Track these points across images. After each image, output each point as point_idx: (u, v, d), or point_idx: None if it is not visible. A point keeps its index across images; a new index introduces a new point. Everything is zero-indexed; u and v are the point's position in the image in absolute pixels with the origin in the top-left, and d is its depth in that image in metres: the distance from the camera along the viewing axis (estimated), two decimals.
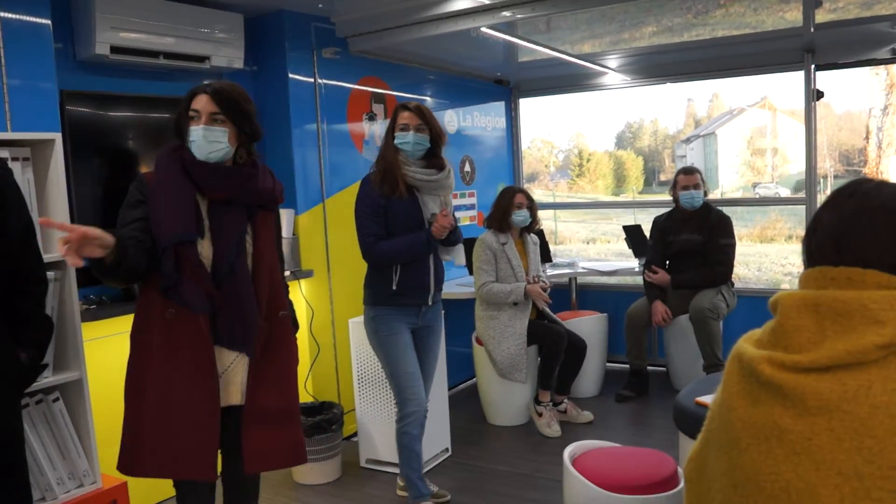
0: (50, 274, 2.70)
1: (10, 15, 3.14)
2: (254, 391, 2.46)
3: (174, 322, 2.37)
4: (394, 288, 3.45)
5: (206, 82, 2.49)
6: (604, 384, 5.68)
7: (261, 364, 2.49)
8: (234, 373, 2.47)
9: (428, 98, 5.75)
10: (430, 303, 3.58)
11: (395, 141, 3.44)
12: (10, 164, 2.62)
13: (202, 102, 2.44)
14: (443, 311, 3.79)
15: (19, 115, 3.16)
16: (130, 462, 2.43)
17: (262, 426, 2.47)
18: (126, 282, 2.42)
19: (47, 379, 2.70)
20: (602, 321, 5.69)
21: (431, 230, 3.41)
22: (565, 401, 5.03)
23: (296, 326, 2.74)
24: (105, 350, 3.42)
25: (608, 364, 5.83)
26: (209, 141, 2.42)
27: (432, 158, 3.52)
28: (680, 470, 2.91)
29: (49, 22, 3.28)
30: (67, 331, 2.80)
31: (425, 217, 3.48)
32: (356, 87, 4.96)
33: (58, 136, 2.75)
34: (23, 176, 2.69)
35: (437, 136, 3.50)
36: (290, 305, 2.72)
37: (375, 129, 5.08)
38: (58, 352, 2.79)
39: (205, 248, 2.41)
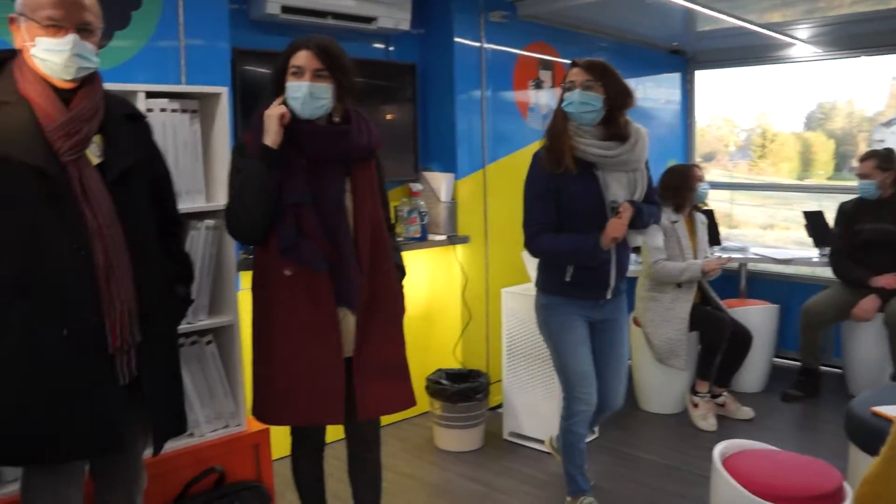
0: (210, 222, 2.91)
1: None
2: (360, 344, 2.56)
3: (294, 279, 2.48)
4: (567, 279, 3.14)
5: (306, 37, 2.49)
6: (769, 380, 5.43)
7: (365, 318, 2.56)
8: (347, 325, 2.56)
9: None
10: (608, 296, 3.23)
11: (563, 104, 3.05)
12: (180, 116, 2.85)
13: (305, 58, 2.43)
14: (626, 302, 3.46)
15: (194, 72, 3.40)
16: (264, 411, 2.62)
17: (371, 377, 2.57)
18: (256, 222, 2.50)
19: (202, 322, 2.90)
20: (772, 312, 5.44)
21: (601, 238, 3.01)
22: (724, 394, 4.85)
23: (402, 273, 2.77)
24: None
25: (775, 359, 5.56)
26: (314, 97, 2.44)
27: (612, 126, 3.06)
28: (846, 485, 2.72)
29: None
30: (223, 277, 2.99)
31: (606, 201, 3.06)
32: (523, 52, 4.96)
33: (224, 90, 2.93)
34: (190, 127, 2.90)
35: (615, 95, 3.02)
36: (395, 254, 2.76)
37: (542, 97, 5.07)
38: (213, 297, 2.99)
39: (310, 210, 2.48)
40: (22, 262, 1.96)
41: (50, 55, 1.96)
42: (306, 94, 2.42)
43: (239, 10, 3.75)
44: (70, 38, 1.96)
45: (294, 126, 2.46)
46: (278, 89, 2.48)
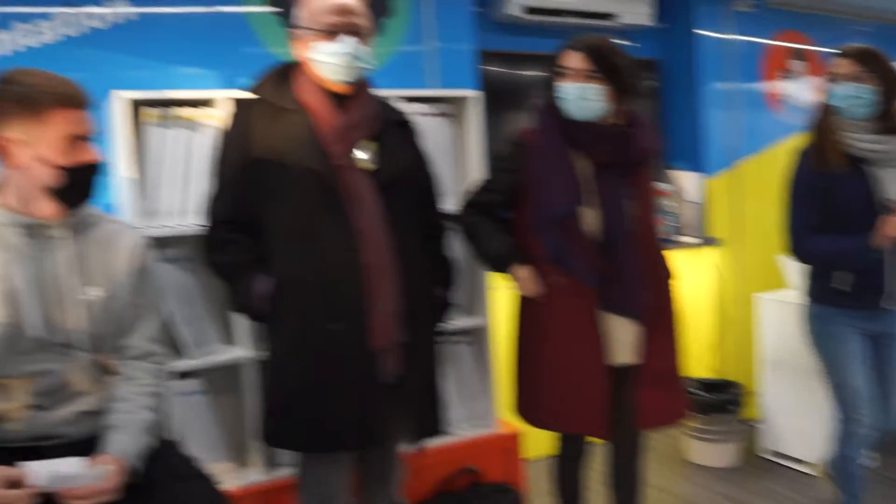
0: None
1: None
2: (643, 354, 2.50)
3: (561, 287, 2.45)
4: (836, 286, 2.85)
5: (578, 38, 2.45)
6: None
7: (648, 327, 2.50)
8: (621, 332, 2.49)
9: None
10: (885, 305, 2.84)
11: (830, 98, 2.79)
12: (432, 119, 2.93)
13: (575, 60, 2.39)
14: None
15: (441, 76, 3.51)
16: (530, 413, 2.61)
17: (652, 387, 2.51)
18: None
19: (458, 322, 2.95)
20: None
21: (874, 237, 2.70)
22: None
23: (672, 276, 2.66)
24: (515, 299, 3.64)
25: None
26: (584, 99, 2.39)
27: (886, 119, 2.76)
28: None
29: None
30: (477, 278, 3.04)
31: (879, 199, 2.76)
32: (772, 42, 4.71)
33: (477, 94, 2.99)
34: (443, 131, 2.98)
35: (890, 86, 2.73)
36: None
37: (795, 89, 4.79)
38: (468, 297, 3.04)
39: (589, 217, 2.42)
40: (298, 261, 2.11)
41: (330, 58, 2.11)
42: (576, 95, 2.39)
43: (482, 13, 3.81)
44: (348, 41, 2.10)
45: (575, 127, 2.44)
46: (551, 90, 2.46)
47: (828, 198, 2.78)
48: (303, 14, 2.16)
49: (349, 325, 2.11)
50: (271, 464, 2.72)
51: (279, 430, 2.21)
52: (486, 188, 2.57)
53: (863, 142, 2.74)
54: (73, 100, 1.78)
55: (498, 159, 2.60)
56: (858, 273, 2.79)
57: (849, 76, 2.72)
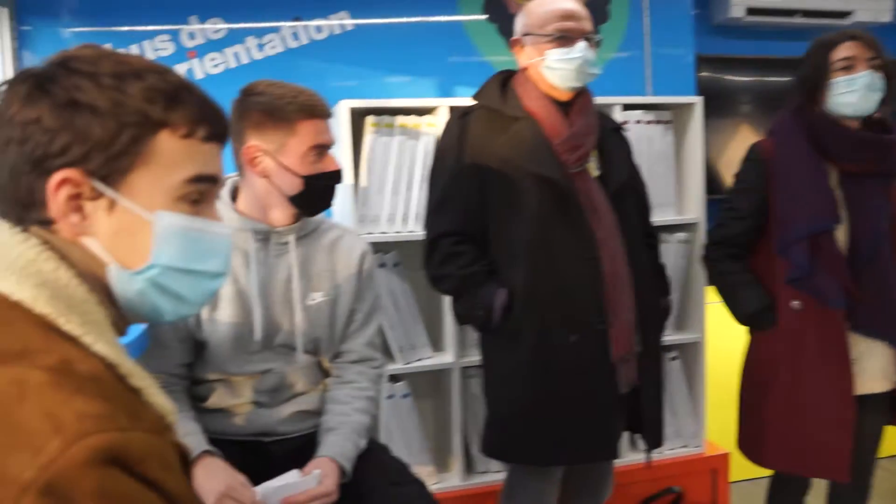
0: (681, 235, 2.86)
1: None
2: None
3: (803, 313, 2.24)
4: None
5: (833, 33, 2.25)
6: None
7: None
8: (871, 358, 2.26)
9: None
10: None
11: None
12: (652, 127, 2.83)
13: (853, 49, 2.18)
14: None
15: (658, 81, 3.38)
16: (753, 449, 2.41)
17: None
18: None
19: (669, 337, 2.81)
20: None
21: None
22: None
23: None
24: (723, 315, 3.47)
25: None
26: (872, 89, 2.16)
27: None
28: None
29: None
30: (692, 292, 2.91)
31: None
32: None
33: (699, 101, 2.85)
34: (663, 139, 2.87)
35: None
36: None
37: None
38: (681, 312, 2.92)
39: (839, 233, 2.20)
40: (534, 271, 2.03)
41: (563, 64, 2.04)
42: (865, 84, 2.16)
43: (700, 16, 3.64)
44: (581, 46, 2.04)
45: (830, 134, 2.23)
46: (813, 91, 2.24)
47: None
48: (528, 21, 2.11)
49: (587, 335, 2.04)
50: (472, 470, 2.72)
51: (508, 443, 2.15)
52: (734, 216, 2.34)
53: None
54: (317, 110, 1.81)
55: (741, 181, 2.36)
56: None
57: None
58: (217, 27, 2.94)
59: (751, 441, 2.41)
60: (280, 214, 1.87)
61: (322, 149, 1.83)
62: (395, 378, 2.61)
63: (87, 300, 0.86)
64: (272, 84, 1.83)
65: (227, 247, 0.99)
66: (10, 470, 0.68)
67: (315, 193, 1.84)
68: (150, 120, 0.88)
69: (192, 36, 2.92)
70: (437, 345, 2.69)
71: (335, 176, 1.86)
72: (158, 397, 0.87)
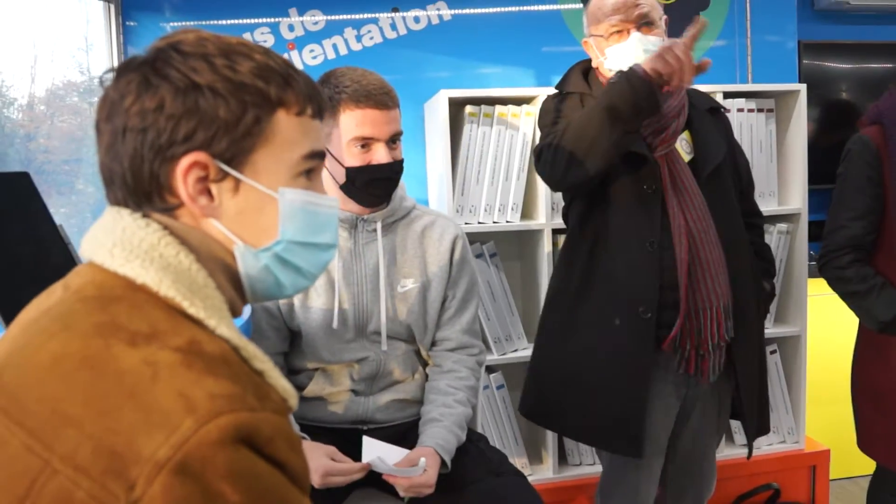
0: (782, 226, 2.71)
1: None
2: None
3: None
4: None
5: None
6: None
7: None
8: None
9: None
10: None
11: None
12: (753, 115, 2.68)
13: None
14: None
15: (760, 69, 3.21)
16: (888, 452, 2.22)
17: None
18: None
19: (768, 330, 2.63)
20: None
21: None
22: None
23: None
24: (827, 308, 3.27)
25: None
26: None
27: None
28: None
29: None
30: (793, 285, 2.75)
31: None
32: None
33: (802, 88, 2.68)
34: (766, 127, 2.71)
35: None
36: None
37: None
38: (780, 304, 2.77)
39: None
40: (600, 254, 1.93)
41: (621, 60, 1.89)
42: None
43: (803, 1, 3.44)
44: (634, 37, 1.89)
45: None
46: None
47: None
48: (588, 21, 1.98)
49: (634, 322, 1.89)
50: (565, 462, 2.64)
51: (544, 406, 2.06)
52: (853, 216, 2.13)
53: None
54: (365, 100, 1.71)
55: (853, 176, 2.14)
56: None
57: None
58: (316, 19, 2.90)
59: (889, 445, 2.20)
60: (351, 204, 1.81)
61: (368, 140, 1.73)
62: (489, 369, 2.53)
63: (207, 285, 0.85)
64: (346, 72, 1.75)
65: (336, 218, 0.98)
66: (144, 449, 0.67)
67: (359, 185, 1.75)
68: (268, 99, 0.86)
69: (291, 28, 2.89)
70: (532, 335, 2.56)
71: (381, 170, 1.75)
72: (280, 380, 0.85)
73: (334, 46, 2.91)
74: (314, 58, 2.89)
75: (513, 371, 2.57)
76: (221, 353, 0.78)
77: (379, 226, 1.83)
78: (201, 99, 0.83)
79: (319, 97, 0.93)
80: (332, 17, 2.90)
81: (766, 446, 2.76)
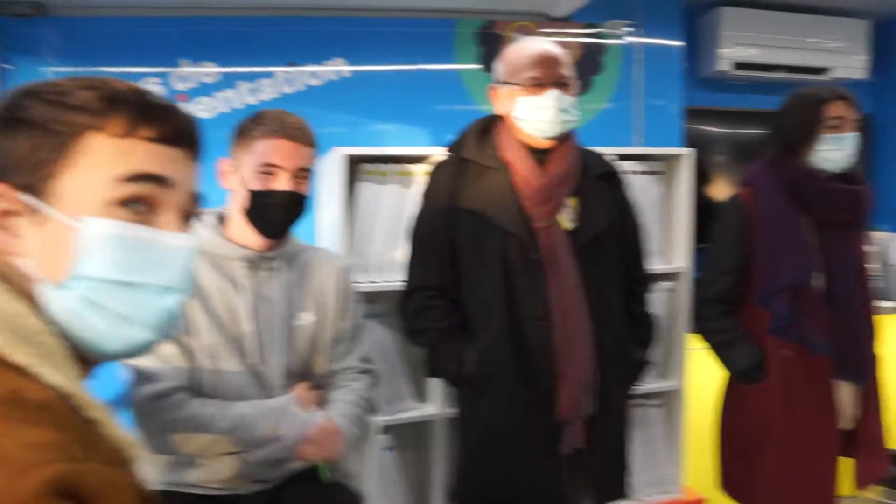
0: (666, 284, 2.72)
1: (650, 40, 3.26)
2: (865, 419, 2.24)
3: (792, 360, 2.15)
4: None
5: (824, 88, 2.20)
6: None
7: (869, 392, 2.24)
8: (844, 399, 2.21)
9: None
10: None
11: None
12: (642, 177, 2.68)
13: (843, 109, 2.13)
14: None
15: (648, 133, 3.25)
16: (746, 493, 2.30)
17: (869, 449, 2.25)
18: None
19: (651, 385, 2.68)
20: None
21: None
22: None
23: None
24: (707, 362, 3.33)
25: None
26: (853, 150, 2.14)
27: None
28: None
29: (682, 44, 3.35)
30: (674, 341, 2.76)
31: None
32: None
33: (689, 152, 2.72)
34: (653, 189, 2.72)
35: None
36: None
37: None
38: (664, 360, 2.77)
39: (818, 281, 2.13)
40: (495, 327, 1.87)
41: (534, 113, 1.86)
42: (851, 145, 2.15)
43: (688, 69, 3.52)
44: (552, 94, 1.85)
45: (808, 185, 2.16)
46: (799, 144, 2.18)
47: None
48: (503, 69, 1.93)
49: (534, 395, 1.87)
50: None
51: (466, 494, 2.00)
52: (722, 272, 2.22)
53: None
54: (280, 131, 1.70)
55: (725, 235, 2.24)
56: None
57: None
58: (209, 70, 2.75)
59: (742, 485, 2.31)
60: (256, 238, 1.74)
61: (276, 168, 1.70)
62: (380, 430, 2.40)
63: (39, 331, 0.74)
64: (273, 111, 1.76)
65: (183, 259, 0.83)
66: None
67: (261, 210, 1.71)
68: (76, 124, 0.77)
69: (183, 79, 2.74)
70: (422, 396, 2.50)
71: (280, 196, 1.70)
72: (117, 429, 0.74)
73: (228, 100, 2.77)
74: (206, 111, 2.74)
75: (402, 432, 2.46)
76: (45, 401, 0.69)
77: (280, 263, 1.77)
78: (10, 133, 0.77)
79: (166, 121, 0.81)
80: (227, 70, 2.76)
81: (646, 497, 2.74)
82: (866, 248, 2.26)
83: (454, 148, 1.99)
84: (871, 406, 2.26)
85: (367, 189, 2.37)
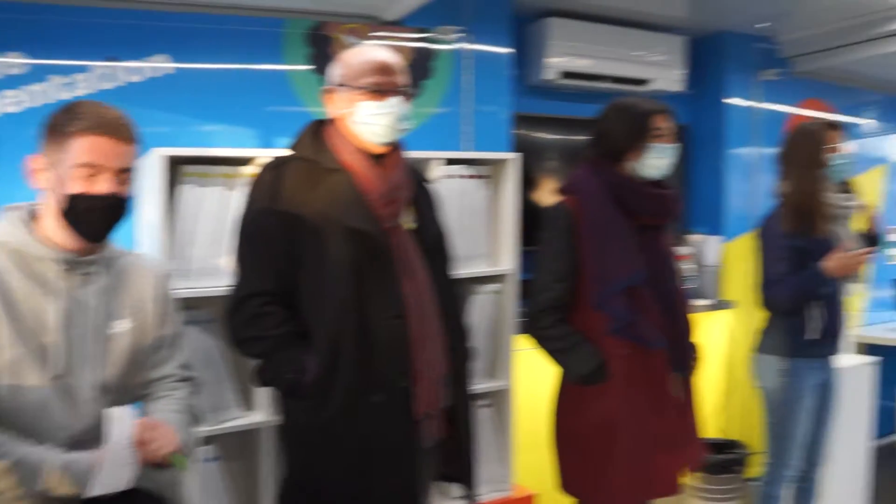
0: (493, 286, 2.77)
1: (480, 47, 3.30)
2: (686, 410, 2.40)
3: (629, 356, 2.24)
4: (812, 336, 2.85)
5: (649, 100, 2.35)
6: None
7: (689, 384, 2.39)
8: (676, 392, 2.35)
9: (871, 121, 5.08)
10: (838, 351, 3.00)
11: (834, 163, 2.81)
12: (470, 181, 2.73)
13: (666, 121, 2.28)
14: None
15: (476, 138, 3.30)
16: (593, 492, 2.35)
17: (691, 439, 2.42)
18: None
19: (480, 385, 2.71)
20: None
21: (826, 266, 2.74)
22: None
23: None
24: (535, 361, 3.42)
25: None
26: (673, 159, 2.31)
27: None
28: None
29: (511, 51, 3.41)
30: (501, 341, 2.82)
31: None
32: (796, 110, 4.51)
33: (515, 157, 2.79)
34: (479, 193, 2.77)
35: None
36: None
37: None
38: (491, 360, 2.82)
39: (647, 279, 2.26)
40: (344, 329, 1.84)
41: (375, 119, 1.86)
42: (671, 155, 2.30)
43: (517, 76, 3.59)
44: (394, 101, 1.87)
45: (628, 189, 2.27)
46: (624, 151, 2.28)
47: (804, 257, 2.80)
48: (341, 72, 1.91)
49: (392, 394, 1.87)
50: None
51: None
52: (555, 279, 2.27)
53: (839, 202, 2.86)
54: (97, 128, 1.58)
55: (555, 243, 2.29)
56: (824, 320, 2.84)
57: (842, 145, 2.85)
58: (16, 62, 2.53)
59: (587, 485, 2.36)
60: (72, 239, 1.62)
61: (94, 168, 1.58)
62: (203, 441, 2.29)
63: None
64: (87, 103, 1.64)
65: None
66: None
67: (79, 214, 1.59)
68: None
69: None
70: (248, 404, 2.43)
71: (101, 199, 1.59)
72: None
73: (37, 94, 2.56)
74: (12, 104, 2.53)
75: (227, 442, 2.37)
76: None
77: (97, 267, 1.66)
78: None
79: None
80: (37, 62, 2.56)
81: (479, 496, 2.72)
82: (677, 248, 2.43)
83: (292, 149, 1.95)
84: (690, 398, 2.39)
85: (188, 192, 2.27)
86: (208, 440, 2.32)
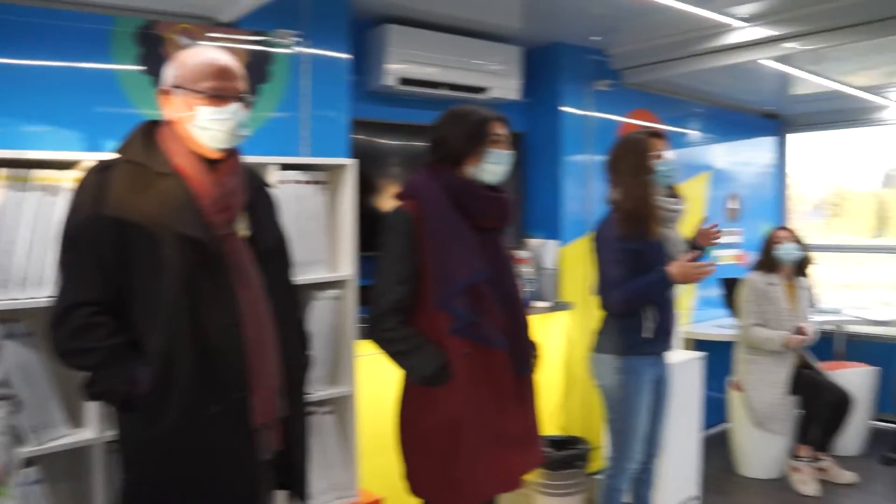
0: (332, 292, 2.76)
1: (318, 51, 3.27)
2: (527, 409, 2.48)
3: (471, 356, 2.28)
4: (647, 335, 2.97)
5: (485, 108, 2.43)
6: (868, 444, 5.03)
7: (529, 383, 2.47)
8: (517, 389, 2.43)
9: (696, 131, 5.42)
10: (671, 348, 3.15)
11: (660, 169, 2.93)
12: (307, 187, 2.71)
13: (503, 128, 2.38)
14: None
15: (314, 143, 3.25)
16: (445, 491, 2.36)
17: (532, 437, 2.50)
18: None
19: (323, 392, 2.72)
20: (870, 375, 5.08)
21: (670, 272, 2.86)
22: (826, 458, 4.48)
23: None
24: (376, 366, 3.42)
25: (875, 422, 5.19)
26: (509, 165, 2.41)
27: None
28: None
29: (349, 56, 3.39)
30: (342, 347, 2.81)
31: (668, 251, 3.01)
32: (626, 119, 4.75)
33: (353, 163, 2.79)
34: (316, 198, 2.75)
35: None
36: None
37: None
38: (332, 367, 2.81)
39: (487, 279, 2.33)
40: (177, 338, 1.78)
41: (214, 124, 1.82)
42: (507, 161, 2.39)
43: (356, 82, 3.58)
44: (234, 107, 1.84)
45: (466, 193, 2.33)
46: (463, 156, 2.35)
47: (639, 259, 2.91)
48: (179, 73, 1.84)
49: (228, 404, 1.82)
50: None
51: None
52: (397, 281, 2.28)
53: (668, 205, 2.96)
54: None
55: (395, 246, 2.30)
56: (660, 319, 2.97)
57: (666, 153, 2.96)
58: None
59: (437, 486, 2.37)
60: None
61: None
62: (26, 463, 2.12)
63: None
64: None
65: None
66: None
67: None
68: None
69: None
70: (76, 420, 2.29)
71: None
72: None
73: None
74: None
75: (54, 462, 2.22)
76: None
77: None
78: None
79: None
80: None
81: (325, 502, 2.76)
82: (516, 252, 2.51)
83: (120, 151, 1.85)
84: (531, 396, 2.47)
85: (6, 197, 2.13)
86: (31, 461, 2.15)
